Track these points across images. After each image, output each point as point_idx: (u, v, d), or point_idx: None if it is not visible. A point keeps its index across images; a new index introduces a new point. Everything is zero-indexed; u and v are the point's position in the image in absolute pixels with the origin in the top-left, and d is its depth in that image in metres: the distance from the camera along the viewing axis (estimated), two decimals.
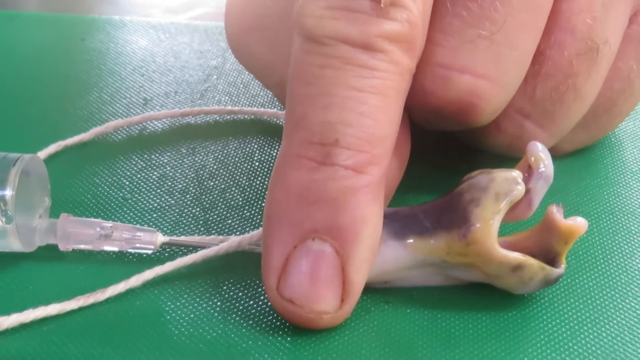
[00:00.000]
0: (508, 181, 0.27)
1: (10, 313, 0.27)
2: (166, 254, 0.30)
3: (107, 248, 0.29)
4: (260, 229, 0.28)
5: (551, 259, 0.27)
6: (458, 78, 0.28)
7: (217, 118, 0.40)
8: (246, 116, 0.41)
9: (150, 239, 0.29)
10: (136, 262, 0.30)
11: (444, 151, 0.36)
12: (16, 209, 0.28)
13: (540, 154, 0.27)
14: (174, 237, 0.30)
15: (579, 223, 0.27)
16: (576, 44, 0.30)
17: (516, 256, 0.27)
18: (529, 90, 0.30)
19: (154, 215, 0.33)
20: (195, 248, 0.30)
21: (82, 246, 0.29)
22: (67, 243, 0.29)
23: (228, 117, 0.41)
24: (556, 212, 0.27)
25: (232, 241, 0.29)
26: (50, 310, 0.27)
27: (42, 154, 0.36)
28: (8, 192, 0.28)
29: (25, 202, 0.29)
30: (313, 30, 0.26)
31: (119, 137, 0.39)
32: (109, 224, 0.29)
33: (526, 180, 0.27)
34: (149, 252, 0.30)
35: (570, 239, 0.27)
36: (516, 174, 0.27)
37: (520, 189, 0.27)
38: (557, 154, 0.34)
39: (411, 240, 0.27)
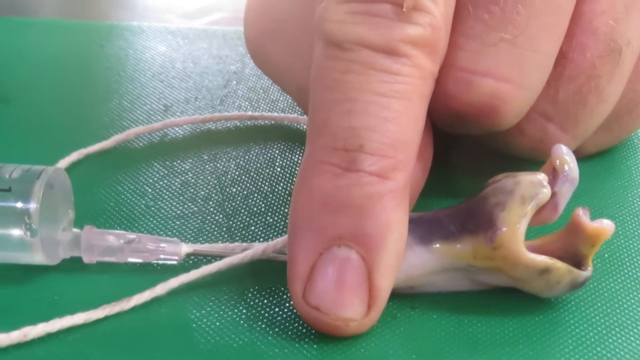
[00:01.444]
0: (533, 184, 0.27)
1: (37, 323, 0.27)
2: (191, 262, 0.30)
3: (132, 260, 0.29)
4: (285, 235, 0.28)
5: (577, 262, 0.27)
6: (481, 82, 0.28)
7: (238, 124, 0.40)
8: (267, 122, 0.41)
9: (175, 250, 0.29)
10: (161, 271, 0.30)
11: (466, 155, 0.36)
12: (40, 222, 0.28)
13: (565, 156, 0.27)
14: (198, 247, 0.30)
15: (606, 225, 0.27)
16: (598, 45, 0.30)
17: (543, 259, 0.27)
18: (551, 93, 0.30)
19: (177, 222, 0.33)
20: (222, 256, 0.30)
21: (107, 258, 0.29)
22: (92, 255, 0.29)
23: (249, 122, 0.41)
24: (582, 214, 0.27)
25: (256, 249, 0.29)
26: (77, 319, 0.27)
27: (64, 162, 0.36)
28: (32, 206, 0.28)
29: (49, 215, 0.29)
30: (335, 36, 0.26)
31: (140, 144, 0.39)
32: (132, 235, 0.29)
33: (551, 183, 0.27)
34: (174, 262, 0.30)
35: (597, 242, 0.27)
36: (541, 176, 0.27)
37: (546, 192, 0.27)
38: (580, 156, 0.34)
39: (437, 245, 0.27)
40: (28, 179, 0.28)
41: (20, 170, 0.29)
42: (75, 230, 0.29)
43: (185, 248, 0.29)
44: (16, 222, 0.28)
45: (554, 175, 0.27)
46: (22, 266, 0.29)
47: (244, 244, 0.30)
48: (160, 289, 0.28)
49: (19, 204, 0.28)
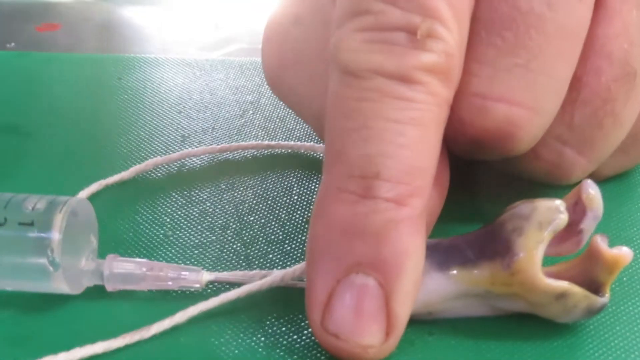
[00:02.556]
0: (551, 210, 0.27)
1: (58, 352, 0.27)
2: (210, 290, 0.30)
3: (154, 288, 0.30)
4: (303, 263, 0.28)
5: (595, 289, 0.27)
6: (494, 107, 0.28)
7: (255, 153, 0.41)
8: (283, 150, 0.41)
9: (196, 278, 0.30)
10: (180, 298, 0.30)
11: (482, 180, 0.36)
12: (64, 252, 0.28)
13: (592, 192, 0.27)
14: (219, 274, 0.30)
15: (624, 253, 0.27)
16: (613, 69, 0.30)
17: (560, 284, 0.27)
18: (566, 117, 0.30)
19: (196, 251, 0.33)
20: (240, 283, 0.30)
21: (129, 286, 0.30)
22: (114, 284, 0.29)
23: (265, 152, 0.41)
24: (601, 242, 0.27)
25: (275, 276, 0.29)
26: (97, 348, 0.27)
27: (84, 193, 0.36)
28: (55, 239, 0.28)
29: (72, 245, 0.29)
30: (350, 64, 0.26)
31: (159, 174, 0.39)
32: (154, 264, 0.30)
33: (573, 214, 0.27)
34: (195, 288, 0.30)
35: (615, 269, 0.27)
36: (559, 202, 0.27)
37: (563, 217, 0.27)
38: (596, 180, 0.34)
39: (454, 272, 0.27)
40: (51, 210, 0.29)
41: (45, 201, 0.29)
42: (98, 259, 0.30)
43: (207, 276, 0.30)
44: (39, 253, 0.28)
45: (577, 209, 0.27)
46: (43, 294, 0.30)
47: (263, 271, 0.30)
48: (180, 317, 0.28)
49: (42, 236, 0.28)
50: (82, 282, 0.30)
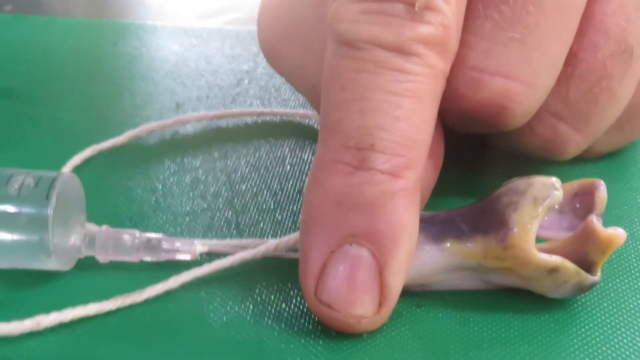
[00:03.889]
0: (546, 186, 0.27)
1: (49, 312, 0.27)
2: (202, 256, 0.30)
3: (146, 259, 0.30)
4: (297, 232, 0.28)
5: (587, 269, 0.27)
6: (490, 81, 0.28)
7: (249, 122, 0.41)
8: (277, 119, 0.41)
9: (189, 250, 0.30)
10: (173, 267, 0.30)
11: (478, 154, 0.36)
12: (54, 232, 0.28)
13: (604, 196, 0.28)
14: (212, 246, 0.30)
15: (619, 233, 0.27)
16: (610, 45, 0.30)
17: (554, 259, 0.27)
18: (562, 93, 0.30)
19: (187, 218, 0.33)
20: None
21: (121, 257, 0.30)
22: (106, 255, 0.29)
23: (259, 120, 0.41)
24: (596, 221, 0.27)
25: (268, 245, 0.30)
26: (89, 310, 0.27)
27: (78, 158, 0.36)
28: (46, 220, 0.28)
29: (62, 222, 0.29)
30: (347, 35, 0.26)
31: (152, 140, 0.39)
32: (147, 235, 0.30)
33: (574, 209, 0.28)
34: (187, 258, 0.30)
35: (608, 249, 0.27)
36: (554, 179, 0.27)
37: (558, 194, 0.27)
38: (590, 156, 0.34)
39: (448, 244, 0.27)
40: (40, 190, 0.28)
41: (32, 179, 0.29)
42: (90, 227, 0.30)
43: (200, 247, 0.30)
44: (28, 233, 0.28)
45: (576, 200, 0.28)
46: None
47: (256, 240, 0.31)
48: (173, 282, 0.28)
49: (32, 217, 0.28)
50: (73, 256, 0.29)
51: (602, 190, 0.28)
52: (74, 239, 0.29)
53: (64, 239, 0.29)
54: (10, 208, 0.28)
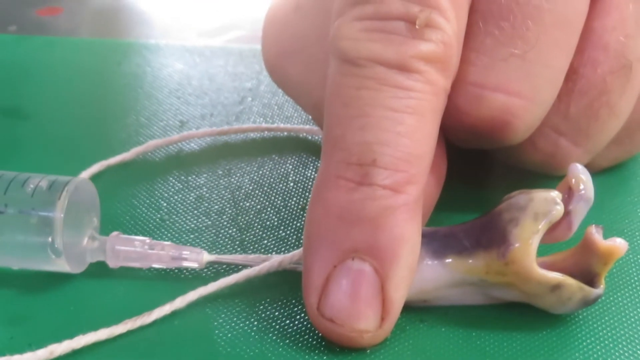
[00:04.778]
0: (547, 201, 0.27)
1: (62, 340, 0.27)
2: (208, 272, 0.31)
3: (155, 265, 0.30)
4: (301, 248, 0.28)
5: (590, 280, 0.27)
6: (491, 96, 0.28)
7: (253, 139, 0.41)
8: (281, 134, 0.41)
9: (197, 258, 0.30)
10: (179, 278, 0.30)
11: (480, 170, 0.36)
12: (66, 233, 0.29)
13: (581, 175, 0.27)
14: (219, 256, 0.31)
15: (619, 244, 0.27)
16: (609, 61, 0.30)
17: (555, 276, 0.27)
18: (562, 108, 0.31)
19: (191, 236, 0.33)
20: (236, 267, 0.30)
21: (131, 264, 0.30)
22: (117, 261, 0.30)
23: (263, 137, 0.41)
24: (595, 232, 0.27)
25: (273, 261, 0.30)
26: (100, 335, 0.27)
27: (86, 173, 0.37)
28: (57, 222, 0.29)
29: (75, 225, 0.29)
30: (349, 53, 0.26)
31: (158, 157, 0.39)
32: (157, 242, 0.30)
33: (566, 201, 0.27)
34: (195, 267, 0.30)
35: (609, 260, 0.27)
36: (555, 194, 0.27)
37: (559, 209, 0.27)
38: (592, 170, 0.34)
39: (450, 260, 0.27)
40: (53, 191, 0.29)
41: (47, 181, 0.30)
42: (101, 236, 0.30)
43: (207, 257, 0.30)
44: (41, 234, 0.29)
45: (569, 194, 0.27)
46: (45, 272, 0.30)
47: (261, 256, 0.31)
48: (180, 302, 0.29)
49: (44, 218, 0.29)
50: (84, 260, 0.30)
51: (574, 173, 0.27)
52: (86, 242, 0.30)
53: (75, 241, 0.30)
54: (23, 208, 0.29)
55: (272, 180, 0.37)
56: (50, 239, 0.29)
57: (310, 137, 0.41)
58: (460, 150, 0.32)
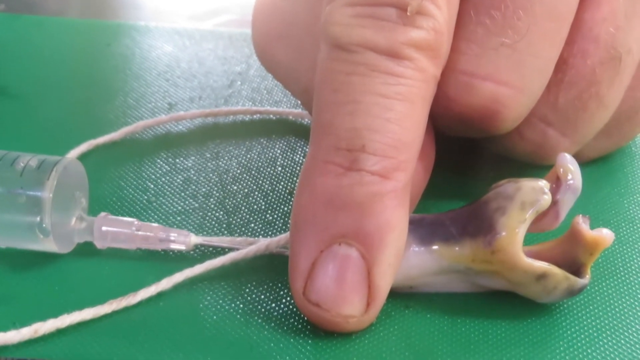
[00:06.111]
0: (535, 191, 0.27)
1: (47, 319, 0.27)
2: (194, 255, 0.31)
3: (142, 247, 0.30)
4: (288, 232, 0.28)
5: (576, 270, 0.27)
6: (480, 85, 0.28)
7: (243, 119, 0.41)
8: (270, 117, 0.41)
9: (184, 240, 0.30)
10: (166, 259, 0.30)
11: (468, 158, 0.37)
12: (54, 212, 0.29)
13: (569, 165, 0.27)
14: (206, 238, 0.31)
15: (605, 235, 0.27)
16: (599, 52, 0.30)
17: (540, 265, 0.27)
18: (551, 98, 0.31)
19: (178, 218, 0.33)
20: (223, 249, 0.31)
21: (118, 245, 0.30)
22: (104, 241, 0.30)
23: (254, 118, 0.41)
24: (582, 222, 0.27)
25: (260, 244, 0.30)
26: (85, 315, 0.27)
27: (74, 153, 0.36)
28: (45, 202, 0.29)
29: (63, 205, 0.29)
30: (340, 38, 0.26)
31: (146, 138, 0.39)
32: (144, 224, 0.30)
33: (554, 191, 0.27)
34: (182, 249, 0.30)
35: (595, 251, 0.27)
36: (543, 183, 0.27)
37: (547, 198, 0.27)
38: (579, 161, 0.34)
39: (436, 247, 0.28)
40: (42, 172, 0.29)
41: (36, 161, 0.30)
42: (89, 217, 0.30)
43: (194, 239, 0.30)
44: (29, 214, 0.29)
45: (557, 184, 0.27)
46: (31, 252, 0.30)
47: (248, 239, 0.31)
48: (165, 283, 0.29)
49: (32, 197, 0.29)
50: (72, 240, 0.30)
51: (562, 163, 0.27)
52: (74, 222, 0.30)
53: (63, 222, 0.30)
54: (11, 187, 0.29)
55: (260, 163, 0.37)
56: (38, 219, 0.29)
57: (299, 121, 0.41)
58: (449, 138, 0.32)
